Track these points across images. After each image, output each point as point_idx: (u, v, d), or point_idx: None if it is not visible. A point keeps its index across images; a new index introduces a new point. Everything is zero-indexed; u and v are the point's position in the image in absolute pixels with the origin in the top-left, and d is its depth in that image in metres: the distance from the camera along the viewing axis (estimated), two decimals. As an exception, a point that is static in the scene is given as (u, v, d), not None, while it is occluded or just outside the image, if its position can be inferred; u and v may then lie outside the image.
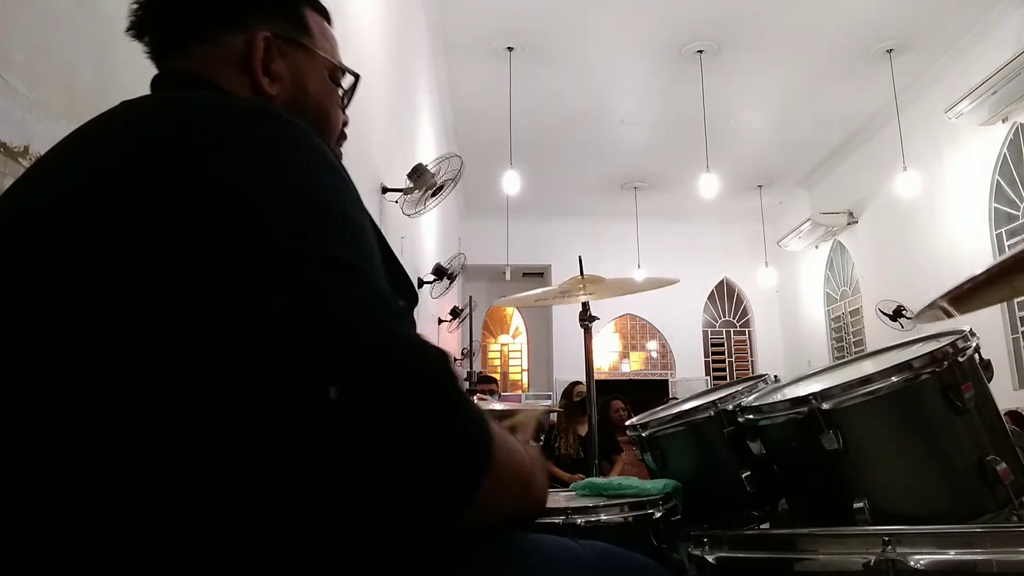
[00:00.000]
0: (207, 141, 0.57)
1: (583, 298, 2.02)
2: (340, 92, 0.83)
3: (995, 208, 5.63)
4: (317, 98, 0.78)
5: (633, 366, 9.83)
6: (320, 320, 0.49)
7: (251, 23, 0.73)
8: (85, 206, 0.56)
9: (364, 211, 0.61)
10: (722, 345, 9.91)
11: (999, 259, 0.92)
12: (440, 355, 0.52)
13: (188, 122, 0.59)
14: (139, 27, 0.74)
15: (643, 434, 1.49)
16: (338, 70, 0.81)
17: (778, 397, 1.29)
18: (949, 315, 1.07)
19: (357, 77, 0.83)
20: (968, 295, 1.00)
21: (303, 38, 0.77)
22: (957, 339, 1.12)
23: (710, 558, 1.06)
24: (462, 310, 6.80)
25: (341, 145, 0.85)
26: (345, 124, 0.85)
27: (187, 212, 0.53)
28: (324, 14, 0.84)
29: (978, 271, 0.95)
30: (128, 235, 0.53)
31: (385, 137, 3.81)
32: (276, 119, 0.61)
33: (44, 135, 1.05)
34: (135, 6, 0.74)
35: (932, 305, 1.02)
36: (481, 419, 0.54)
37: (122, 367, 0.52)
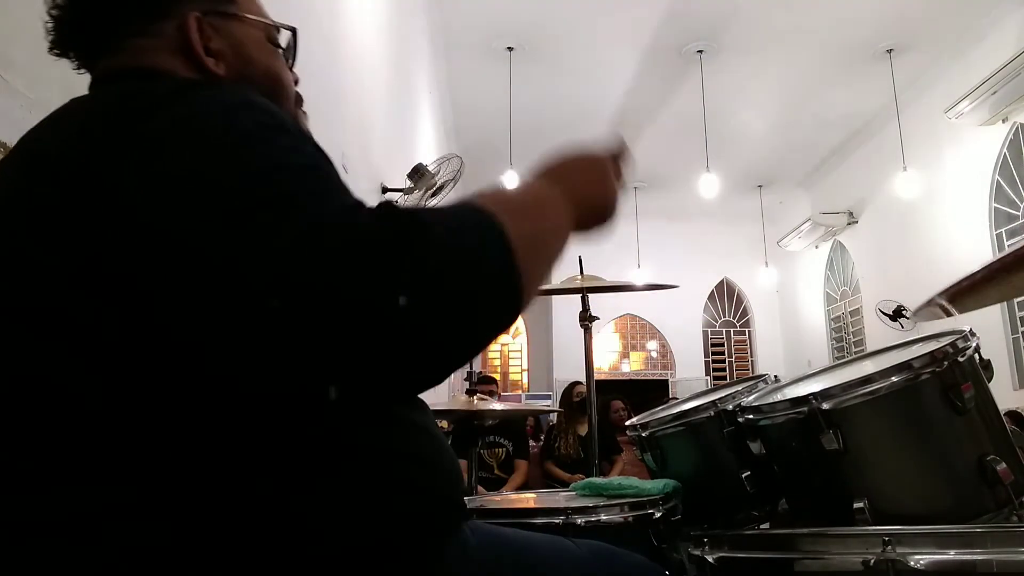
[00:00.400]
0: (131, 122, 0.56)
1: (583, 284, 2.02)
2: (282, 52, 0.80)
3: (995, 208, 5.63)
4: (263, 64, 0.76)
5: (633, 366, 9.83)
6: (271, 251, 0.48)
7: (178, 7, 0.71)
8: (32, 194, 0.57)
9: (308, 149, 0.59)
10: (722, 345, 9.91)
11: (997, 256, 0.92)
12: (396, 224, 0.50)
13: (116, 106, 0.59)
14: (62, 42, 0.72)
15: (643, 434, 1.49)
16: (274, 30, 0.79)
17: (778, 397, 1.29)
18: (948, 314, 1.07)
19: (293, 31, 0.81)
20: (967, 292, 1.00)
21: (230, 8, 0.75)
22: (957, 339, 1.12)
23: (710, 558, 1.07)
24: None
25: (300, 108, 0.83)
26: (296, 83, 0.82)
27: (119, 191, 0.53)
28: None
29: (976, 268, 0.95)
30: (71, 219, 0.54)
31: (385, 137, 3.81)
32: (200, 89, 0.61)
33: (44, 135, 1.05)
34: (52, 24, 0.72)
35: (930, 303, 1.02)
36: (472, 236, 0.52)
37: (82, 344, 0.52)
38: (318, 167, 0.55)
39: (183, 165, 0.53)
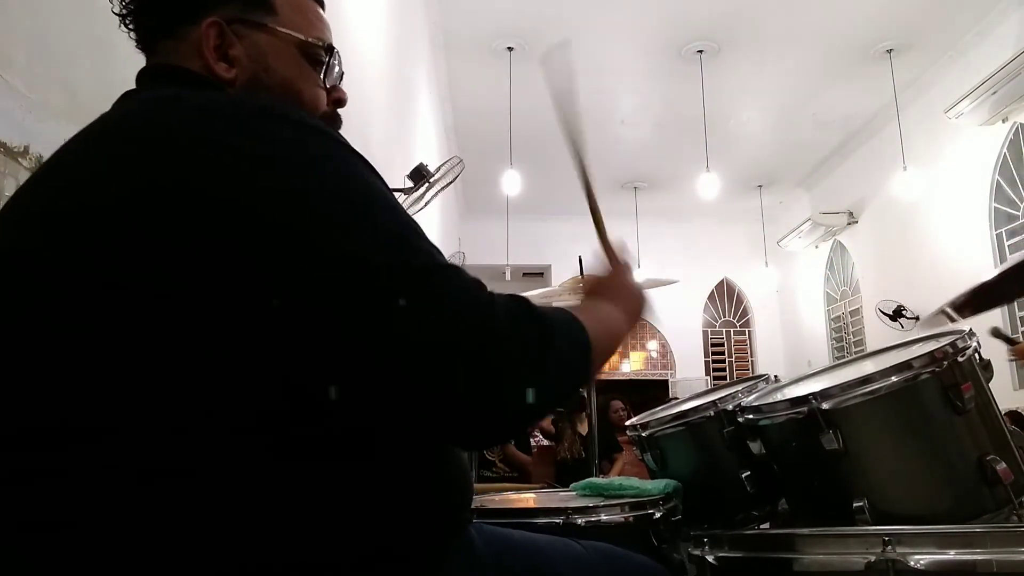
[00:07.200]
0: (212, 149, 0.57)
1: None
2: (321, 69, 0.80)
3: (995, 208, 5.62)
4: (282, 75, 0.76)
5: (633, 366, 9.83)
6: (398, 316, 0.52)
7: (204, 13, 0.73)
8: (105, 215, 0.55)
9: (377, 177, 0.63)
10: (722, 345, 9.90)
11: (1005, 265, 0.93)
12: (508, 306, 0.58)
13: (184, 128, 0.59)
14: (140, 41, 0.77)
15: (643, 434, 1.50)
16: (311, 46, 0.78)
17: (778, 397, 1.29)
18: (952, 319, 1.08)
19: (330, 50, 0.80)
20: (973, 300, 1.01)
21: (264, 18, 0.76)
22: (957, 339, 1.12)
23: (710, 558, 1.07)
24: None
25: (336, 126, 0.83)
26: (339, 103, 0.83)
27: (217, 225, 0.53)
28: None
29: (983, 276, 0.96)
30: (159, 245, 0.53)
31: (385, 137, 3.81)
32: (263, 118, 0.61)
33: (44, 135, 1.05)
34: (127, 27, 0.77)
35: (939, 312, 1.03)
36: (564, 339, 0.62)
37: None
38: (415, 227, 0.61)
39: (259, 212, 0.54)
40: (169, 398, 0.52)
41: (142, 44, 0.76)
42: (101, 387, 0.52)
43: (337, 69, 0.83)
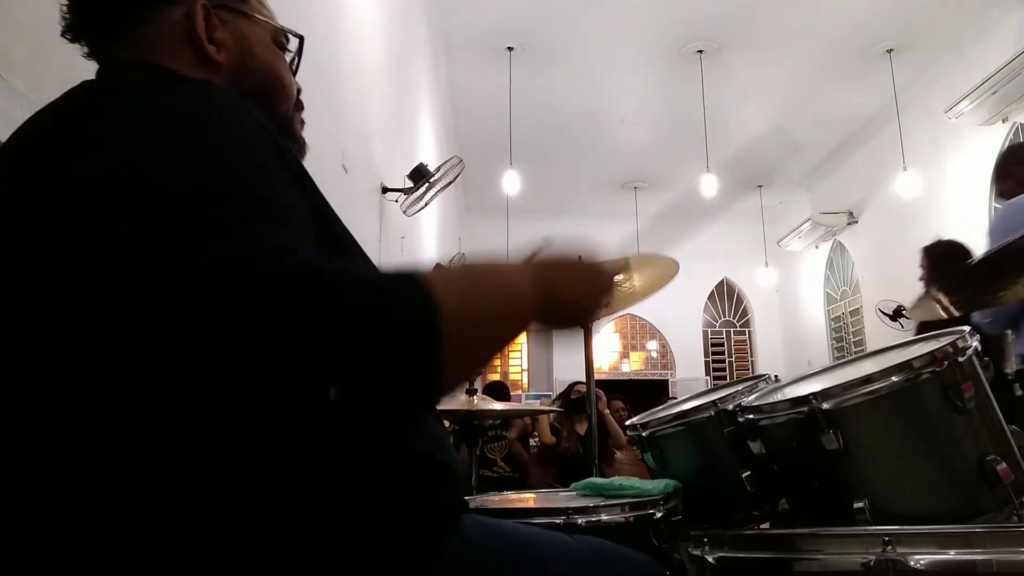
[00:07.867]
0: (86, 124, 0.57)
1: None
2: (288, 57, 0.83)
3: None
4: (265, 60, 0.78)
5: (633, 366, 9.82)
6: (193, 275, 0.46)
7: None
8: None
9: (269, 164, 0.58)
10: (722, 345, 9.90)
11: (988, 250, 0.92)
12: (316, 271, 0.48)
13: (75, 101, 0.61)
14: (75, 27, 0.73)
15: (643, 434, 1.49)
16: (281, 34, 0.81)
17: (778, 397, 1.29)
18: (949, 314, 1.07)
19: (301, 39, 0.84)
20: (960, 288, 1.00)
21: (239, 4, 0.78)
22: (957, 339, 1.12)
23: (710, 558, 1.06)
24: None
25: (300, 112, 0.84)
26: (299, 92, 0.85)
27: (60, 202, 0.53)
28: None
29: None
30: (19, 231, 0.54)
31: (385, 137, 3.81)
32: (171, 88, 0.61)
33: (44, 135, 1.05)
34: (66, 5, 0.73)
35: (926, 296, 1.02)
36: (406, 299, 0.50)
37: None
38: (260, 196, 0.54)
39: (105, 169, 0.52)
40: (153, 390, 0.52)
41: (100, 33, 0.72)
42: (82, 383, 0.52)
43: (298, 60, 0.85)
